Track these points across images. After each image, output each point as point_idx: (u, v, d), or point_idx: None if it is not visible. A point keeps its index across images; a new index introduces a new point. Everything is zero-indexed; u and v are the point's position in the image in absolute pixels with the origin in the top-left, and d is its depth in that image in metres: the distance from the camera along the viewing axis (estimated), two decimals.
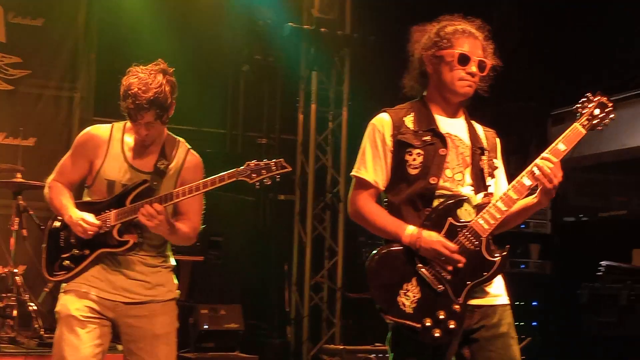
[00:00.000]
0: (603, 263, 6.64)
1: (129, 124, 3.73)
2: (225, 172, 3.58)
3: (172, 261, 3.89)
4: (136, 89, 3.55)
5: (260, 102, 9.05)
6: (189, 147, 3.87)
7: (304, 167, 8.57)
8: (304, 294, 8.35)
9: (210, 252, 7.61)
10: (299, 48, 8.51)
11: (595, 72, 8.07)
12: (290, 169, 3.62)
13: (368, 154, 3.34)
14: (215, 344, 7.07)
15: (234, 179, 3.58)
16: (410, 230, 3.17)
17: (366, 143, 3.36)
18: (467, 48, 3.31)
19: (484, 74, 3.36)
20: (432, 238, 3.15)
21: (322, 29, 8.20)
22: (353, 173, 3.36)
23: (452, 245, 3.14)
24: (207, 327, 7.04)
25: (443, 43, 3.33)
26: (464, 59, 3.30)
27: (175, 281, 3.89)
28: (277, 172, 3.57)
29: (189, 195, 3.61)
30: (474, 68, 3.30)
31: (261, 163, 3.56)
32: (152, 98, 3.55)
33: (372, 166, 3.32)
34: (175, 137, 3.85)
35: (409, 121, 3.33)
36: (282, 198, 8.80)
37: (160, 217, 3.56)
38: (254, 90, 9.00)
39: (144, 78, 3.58)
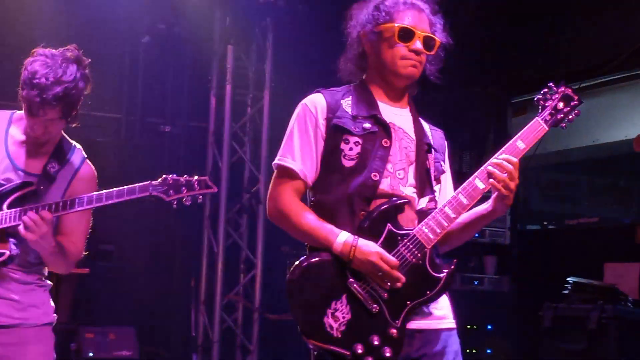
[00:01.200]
0: (570, 279, 6.74)
1: (18, 113, 3.66)
2: (136, 185, 3.56)
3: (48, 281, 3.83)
4: (43, 80, 3.46)
5: (164, 81, 8.97)
6: (85, 155, 3.81)
7: (217, 162, 8.53)
8: (214, 315, 8.31)
9: (99, 263, 7.52)
10: (211, 17, 8.46)
11: (564, 54, 8.21)
12: (215, 190, 3.64)
13: (296, 139, 3.31)
14: None
15: (146, 194, 3.56)
16: (343, 238, 3.16)
17: (294, 126, 3.33)
18: (409, 21, 3.32)
19: (432, 52, 3.38)
20: (370, 249, 3.14)
21: None
22: (277, 162, 3.33)
23: (392, 260, 3.14)
24: (92, 354, 6.96)
25: (381, 17, 3.34)
26: (405, 34, 3.31)
27: (52, 303, 3.82)
28: (200, 191, 3.57)
29: (88, 207, 3.56)
30: (418, 44, 3.31)
31: (181, 179, 3.56)
32: (61, 94, 3.48)
33: (300, 155, 3.30)
34: (71, 140, 3.80)
35: (347, 104, 3.34)
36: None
37: (45, 228, 3.49)
38: (156, 67, 8.92)
39: (54, 67, 3.50)
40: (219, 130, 8.58)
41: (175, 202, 3.58)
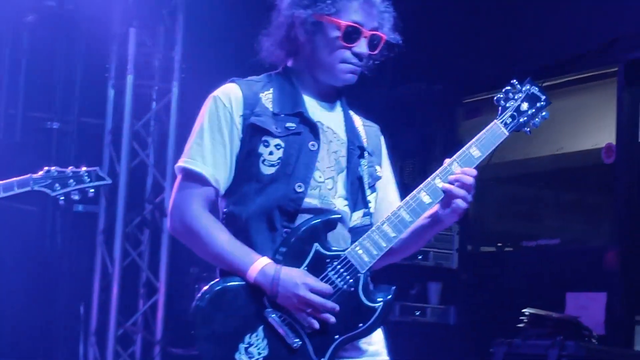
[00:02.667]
0: (526, 311, 6.81)
1: None
2: (14, 179, 3.52)
3: None
4: None
5: (52, 69, 8.88)
6: None
7: (114, 166, 8.47)
8: (107, 348, 8.24)
9: None
10: None
11: (526, 47, 8.30)
12: (109, 182, 3.62)
13: (207, 138, 3.27)
14: None
15: (27, 189, 3.52)
16: (260, 265, 3.14)
17: (205, 123, 3.29)
18: (357, 17, 3.30)
19: (375, 52, 3.38)
20: (295, 280, 3.13)
21: None
22: (183, 164, 3.28)
23: (325, 288, 3.14)
24: None
25: (325, 5, 3.29)
26: (352, 34, 3.29)
27: None
28: (91, 184, 3.55)
29: None
30: (363, 46, 3.31)
31: (67, 170, 3.52)
32: None
33: (212, 157, 3.26)
34: None
35: (267, 99, 3.32)
36: (79, 209, 8.66)
37: None
38: (42, 52, 8.82)
39: None
40: (118, 129, 8.53)
41: (62, 198, 3.55)
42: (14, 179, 3.56)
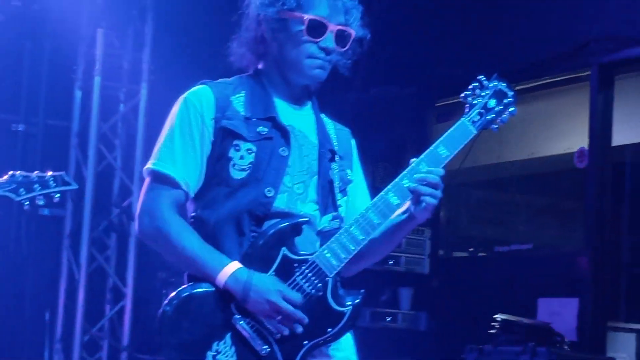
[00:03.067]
0: (498, 317, 6.83)
1: None
2: None
3: None
4: None
5: (18, 69, 8.83)
6: None
7: (80, 169, 8.44)
8: (73, 354, 8.21)
9: None
10: None
11: (498, 50, 8.33)
12: (76, 187, 3.63)
13: (177, 140, 3.26)
14: None
15: None
16: (231, 270, 3.13)
17: (175, 124, 3.28)
18: (322, 12, 3.31)
19: (344, 48, 3.38)
20: (268, 286, 3.12)
21: None
22: (152, 167, 3.26)
23: (295, 297, 3.13)
24: None
25: (289, 1, 3.30)
26: (317, 28, 3.30)
27: None
28: (57, 189, 3.56)
29: None
30: (330, 41, 3.31)
31: (32, 175, 3.54)
32: None
33: (182, 159, 3.24)
34: None
35: (238, 103, 3.31)
36: (45, 213, 8.62)
37: None
38: (8, 52, 8.77)
39: None
40: (84, 131, 8.50)
41: (27, 203, 3.56)
42: None
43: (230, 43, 3.46)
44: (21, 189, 3.58)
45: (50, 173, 3.64)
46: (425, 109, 9.19)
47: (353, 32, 3.37)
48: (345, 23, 3.35)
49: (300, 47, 3.30)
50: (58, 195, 3.67)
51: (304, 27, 3.28)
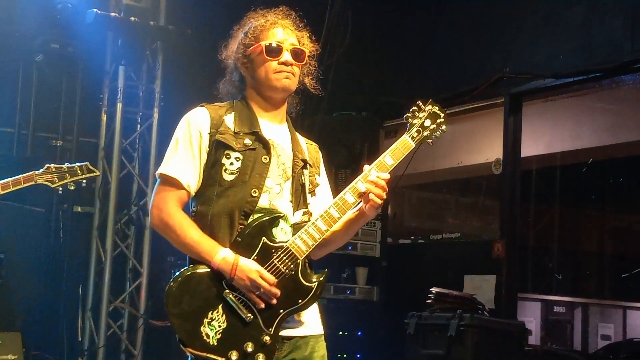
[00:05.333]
0: (433, 290, 6.81)
1: None
2: (21, 175, 3.52)
3: None
4: None
5: (57, 98, 8.76)
6: None
7: (107, 175, 8.37)
8: (101, 321, 8.12)
9: None
10: (104, 38, 8.31)
11: (433, 82, 8.34)
12: (98, 173, 3.62)
13: (181, 150, 3.26)
14: None
15: (31, 183, 3.53)
16: (222, 255, 3.13)
17: (178, 138, 3.28)
18: (275, 38, 3.34)
19: (302, 62, 3.39)
20: (250, 267, 3.11)
21: (132, 18, 8.03)
22: (161, 171, 3.27)
23: (270, 278, 3.12)
24: None
25: (249, 41, 3.35)
26: (272, 50, 3.32)
27: None
28: (84, 176, 3.57)
29: None
30: (287, 56, 3.32)
31: (64, 167, 3.53)
32: None
33: (184, 165, 3.25)
34: None
35: (229, 121, 3.31)
36: (78, 210, 8.54)
37: None
38: (49, 84, 8.69)
39: None
40: (110, 146, 8.41)
41: (60, 189, 3.57)
42: (21, 175, 3.55)
43: (217, 85, 3.50)
44: (55, 178, 3.57)
45: (77, 164, 3.63)
46: (376, 128, 9.17)
47: (306, 50, 3.39)
48: (298, 43, 3.37)
49: (264, 66, 3.32)
50: (84, 181, 3.67)
51: (263, 52, 3.31)
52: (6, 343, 6.89)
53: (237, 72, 3.42)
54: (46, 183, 3.57)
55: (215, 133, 3.26)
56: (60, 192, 3.60)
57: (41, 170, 3.57)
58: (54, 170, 3.57)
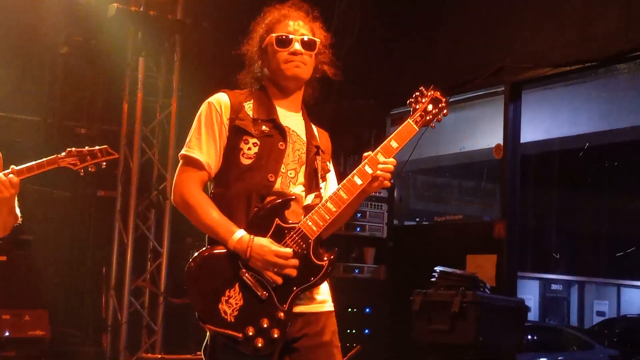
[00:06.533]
0: (437, 269, 6.82)
1: None
2: (44, 159, 3.55)
3: None
4: None
5: (81, 88, 8.79)
6: None
7: (128, 161, 8.38)
8: (123, 299, 8.16)
9: (18, 251, 7.32)
10: (125, 31, 8.31)
11: (437, 72, 8.32)
12: (117, 156, 3.65)
13: (203, 133, 3.25)
14: (17, 353, 6.84)
15: (55, 166, 3.58)
16: (239, 236, 3.12)
17: (201, 121, 3.28)
18: (285, 30, 3.33)
19: (314, 51, 3.38)
20: (265, 248, 3.11)
21: (152, 12, 8.04)
22: (184, 152, 3.27)
23: (286, 252, 3.12)
24: (8, 334, 6.78)
25: (263, 34, 3.37)
26: (282, 41, 3.32)
27: None
28: (104, 158, 3.59)
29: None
30: (297, 46, 3.31)
31: (84, 150, 3.56)
32: None
33: (206, 147, 3.24)
34: None
35: (249, 108, 3.30)
36: (102, 194, 8.57)
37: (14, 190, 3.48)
38: (73, 75, 8.72)
39: None
40: (131, 133, 8.42)
41: (82, 171, 3.60)
42: (44, 159, 3.58)
43: (239, 75, 3.48)
44: (77, 161, 3.60)
45: (97, 147, 3.67)
46: (383, 116, 9.16)
47: (317, 39, 3.38)
48: (310, 34, 3.36)
49: (276, 57, 3.32)
50: (105, 163, 3.72)
51: (274, 43, 3.31)
52: (35, 320, 6.94)
53: (255, 64, 3.42)
54: (69, 166, 3.60)
55: (235, 119, 3.26)
56: (82, 173, 3.62)
57: (63, 154, 3.59)
58: (75, 153, 3.60)
